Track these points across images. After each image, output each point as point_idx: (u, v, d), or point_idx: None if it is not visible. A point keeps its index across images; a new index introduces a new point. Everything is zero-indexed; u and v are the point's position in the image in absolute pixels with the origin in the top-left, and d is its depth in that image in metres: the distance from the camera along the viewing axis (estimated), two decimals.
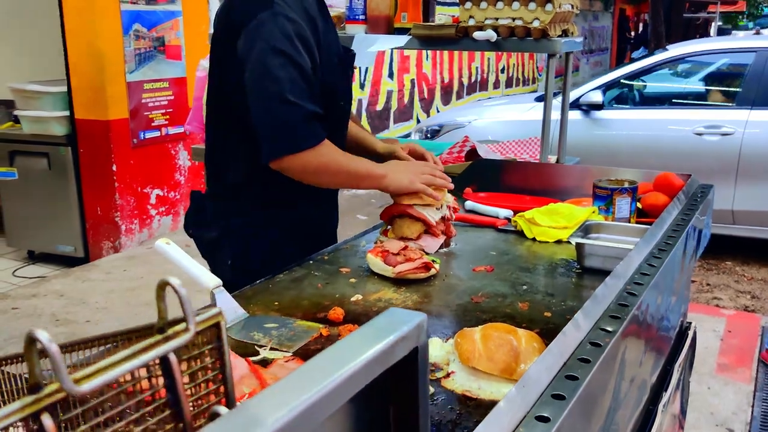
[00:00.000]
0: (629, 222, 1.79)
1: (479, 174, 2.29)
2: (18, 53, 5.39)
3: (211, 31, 1.78)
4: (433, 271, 1.50)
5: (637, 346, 1.14)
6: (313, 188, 1.68)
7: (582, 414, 0.86)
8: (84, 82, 4.53)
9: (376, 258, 1.52)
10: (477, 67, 10.53)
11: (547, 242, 1.76)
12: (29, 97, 4.65)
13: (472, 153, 2.45)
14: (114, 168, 4.63)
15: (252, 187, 1.72)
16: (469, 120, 5.64)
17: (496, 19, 2.29)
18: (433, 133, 5.88)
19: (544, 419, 0.78)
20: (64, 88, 4.61)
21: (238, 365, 1.05)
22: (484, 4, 2.30)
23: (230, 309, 1.28)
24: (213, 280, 1.28)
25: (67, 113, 4.64)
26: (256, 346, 1.18)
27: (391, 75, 8.10)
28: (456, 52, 9.66)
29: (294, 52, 1.53)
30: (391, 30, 2.53)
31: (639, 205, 1.88)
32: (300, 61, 1.55)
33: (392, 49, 2.47)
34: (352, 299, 1.38)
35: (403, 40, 2.44)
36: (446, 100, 9.58)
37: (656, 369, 1.50)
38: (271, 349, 1.17)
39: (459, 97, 9.93)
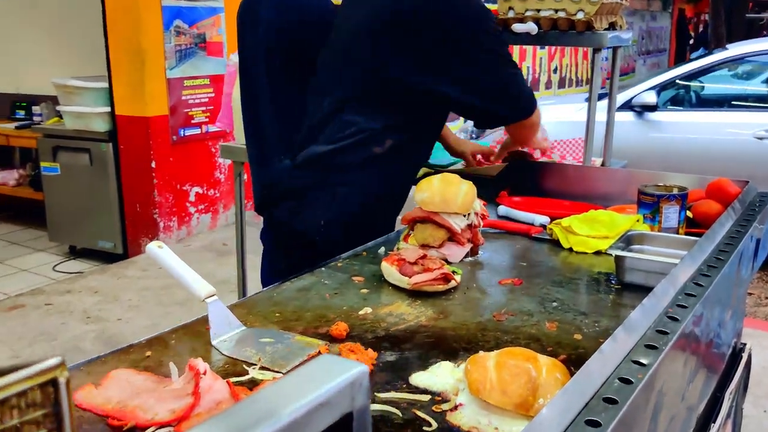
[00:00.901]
0: (677, 233, 1.61)
1: (516, 176, 2.13)
2: (62, 49, 5.44)
3: None
4: (452, 283, 1.36)
5: (678, 379, 0.99)
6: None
7: None
8: (124, 78, 4.52)
9: (392, 267, 1.38)
10: (528, 67, 10.27)
11: (585, 253, 1.60)
12: (71, 93, 4.66)
13: (514, 153, 2.29)
14: (153, 165, 4.61)
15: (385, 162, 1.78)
16: None
17: (538, 10, 2.13)
18: (478, 134, 5.72)
19: None
20: (106, 84, 4.61)
21: (217, 389, 0.94)
22: None
23: (224, 321, 1.17)
24: (205, 289, 1.18)
25: (108, 109, 4.63)
26: (245, 365, 1.06)
27: None
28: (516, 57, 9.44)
29: (496, 41, 1.78)
30: None
31: (689, 214, 1.71)
32: (502, 43, 1.81)
33: None
34: (360, 312, 1.26)
35: None
36: None
37: (704, 398, 1.33)
38: (262, 368, 1.05)
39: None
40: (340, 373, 0.35)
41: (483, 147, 2.24)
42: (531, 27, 2.12)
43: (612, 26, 2.20)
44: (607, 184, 2.03)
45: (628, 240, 1.52)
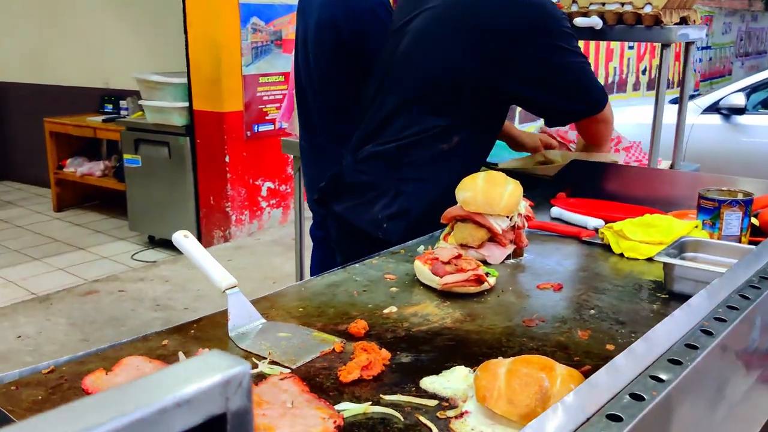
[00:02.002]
0: (739, 241, 1.50)
1: (574, 177, 2.04)
2: (146, 45, 5.63)
3: None
4: (485, 286, 1.30)
5: (707, 402, 0.90)
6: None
7: None
8: (202, 74, 4.63)
9: (424, 266, 1.34)
10: (615, 68, 9.93)
11: (637, 259, 1.51)
12: (152, 88, 4.82)
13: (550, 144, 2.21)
14: (227, 159, 4.71)
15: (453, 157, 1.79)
16: None
17: (603, 4, 2.03)
18: None
19: None
20: (185, 80, 4.74)
21: None
22: None
23: (244, 313, 1.16)
24: (227, 280, 1.17)
25: (186, 104, 4.76)
26: (254, 358, 1.04)
27: None
28: (591, 51, 9.17)
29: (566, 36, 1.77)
30: None
31: (755, 221, 1.58)
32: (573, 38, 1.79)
33: None
34: (385, 311, 1.22)
35: None
36: None
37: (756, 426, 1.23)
38: (272, 362, 1.03)
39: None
40: (213, 371, 0.32)
41: (550, 139, 2.25)
42: (595, 21, 2.03)
43: (684, 21, 2.08)
44: (671, 187, 1.91)
45: (681, 247, 1.42)
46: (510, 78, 1.74)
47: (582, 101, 1.83)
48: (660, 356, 0.84)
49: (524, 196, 1.56)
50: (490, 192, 1.48)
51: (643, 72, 10.92)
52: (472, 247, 1.48)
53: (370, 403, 0.91)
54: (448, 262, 1.33)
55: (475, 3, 1.77)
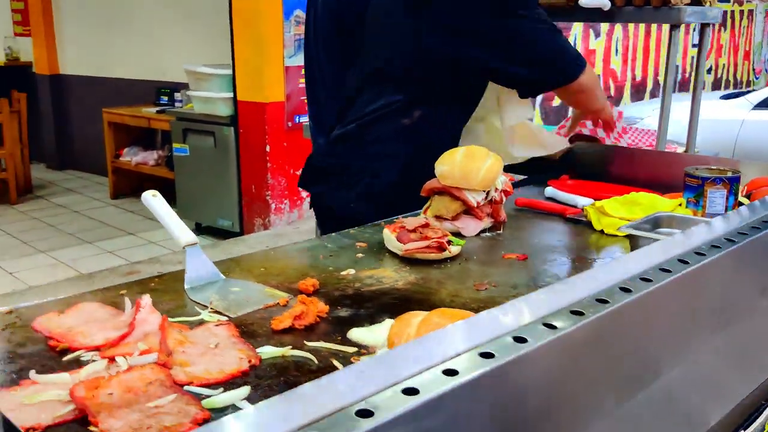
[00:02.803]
0: None
1: (579, 160, 2.03)
2: (198, 38, 5.80)
3: None
4: (446, 253, 1.32)
5: (607, 358, 0.89)
6: None
7: None
8: (246, 66, 4.75)
9: (392, 234, 1.36)
10: (678, 66, 9.66)
11: (617, 236, 1.49)
12: (200, 79, 4.98)
13: (579, 137, 2.18)
14: (267, 149, 4.81)
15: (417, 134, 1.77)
16: (641, 117, 5.16)
17: None
18: None
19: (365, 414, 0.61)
20: (230, 71, 4.87)
21: (150, 322, 0.98)
22: None
23: (203, 269, 1.21)
24: (187, 237, 1.22)
25: (231, 95, 4.90)
26: (198, 308, 1.09)
27: None
28: (652, 47, 8.96)
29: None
30: None
31: (745, 201, 1.54)
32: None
33: None
34: (342, 273, 1.25)
35: None
36: (637, 99, 8.89)
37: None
38: (215, 312, 1.07)
39: (653, 96, 9.15)
40: None
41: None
42: (603, 2, 2.00)
43: (697, 2, 2.03)
44: (673, 169, 1.87)
45: (655, 221, 1.40)
46: (472, 50, 1.70)
47: (551, 71, 1.76)
48: (564, 307, 0.84)
49: (536, 178, 1.55)
50: (467, 166, 1.49)
51: (709, 71, 10.58)
52: (447, 219, 1.49)
53: (291, 347, 0.95)
54: (414, 230, 1.35)
55: None
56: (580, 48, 7.61)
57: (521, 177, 2.15)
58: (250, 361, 0.90)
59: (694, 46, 9.88)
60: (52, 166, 7.86)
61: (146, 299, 1.01)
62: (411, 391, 0.65)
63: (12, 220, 5.93)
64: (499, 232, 1.53)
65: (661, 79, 9.31)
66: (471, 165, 1.50)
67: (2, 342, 0.97)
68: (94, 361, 0.90)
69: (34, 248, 5.18)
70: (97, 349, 0.94)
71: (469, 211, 1.50)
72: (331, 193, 1.82)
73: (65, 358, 0.92)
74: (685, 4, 1.96)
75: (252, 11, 4.64)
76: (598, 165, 1.98)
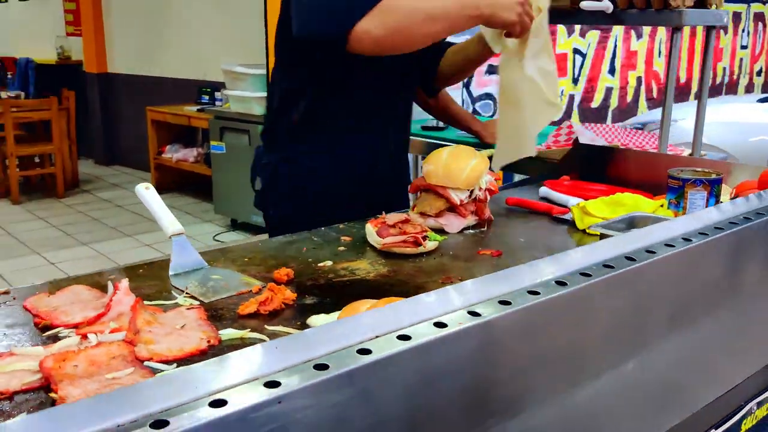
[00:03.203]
0: None
1: (581, 161, 2.05)
2: (236, 38, 5.95)
3: None
4: (422, 248, 1.37)
5: (532, 350, 0.93)
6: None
7: None
8: None
9: (374, 229, 1.43)
10: (725, 68, 9.44)
11: (597, 235, 1.52)
12: (236, 78, 5.11)
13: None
14: None
15: (317, 120, 1.73)
16: (676, 119, 5.09)
17: None
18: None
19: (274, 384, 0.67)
20: (264, 71, 4.99)
21: (125, 302, 1.06)
22: None
23: (188, 257, 1.29)
24: (174, 227, 1.31)
25: (265, 94, 5.01)
26: (175, 292, 1.17)
27: (612, 71, 7.58)
28: (698, 49, 8.79)
29: None
30: None
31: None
32: None
33: None
34: (320, 264, 1.32)
35: None
36: (680, 101, 8.74)
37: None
38: (190, 296, 1.15)
39: (698, 99, 8.98)
40: None
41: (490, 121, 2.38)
42: (606, 5, 2.02)
43: (702, 5, 2.04)
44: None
45: (630, 221, 1.43)
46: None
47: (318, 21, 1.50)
48: (495, 297, 0.89)
49: (536, 178, 1.57)
50: (451, 166, 1.54)
51: (758, 73, 10.31)
52: (431, 216, 1.55)
53: (251, 330, 1.02)
54: (393, 225, 1.41)
55: None
56: (621, 50, 7.53)
57: (523, 176, 2.19)
58: (209, 342, 0.97)
59: (743, 47, 9.67)
60: (100, 161, 8.14)
61: (123, 283, 1.10)
62: (322, 367, 0.71)
63: (58, 213, 6.17)
64: (483, 229, 1.58)
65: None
66: (455, 165, 1.55)
67: None
68: (69, 337, 0.99)
69: (77, 240, 5.39)
70: (75, 326, 1.02)
71: (453, 208, 1.55)
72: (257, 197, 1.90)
73: (45, 334, 1.01)
74: (688, 7, 1.97)
75: None
76: (599, 166, 2.01)
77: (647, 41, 7.92)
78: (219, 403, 0.62)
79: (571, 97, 7.17)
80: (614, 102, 7.73)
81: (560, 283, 0.95)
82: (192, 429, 0.59)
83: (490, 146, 2.35)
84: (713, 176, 1.51)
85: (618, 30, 7.40)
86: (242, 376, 0.67)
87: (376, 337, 0.78)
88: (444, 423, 0.82)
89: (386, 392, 0.75)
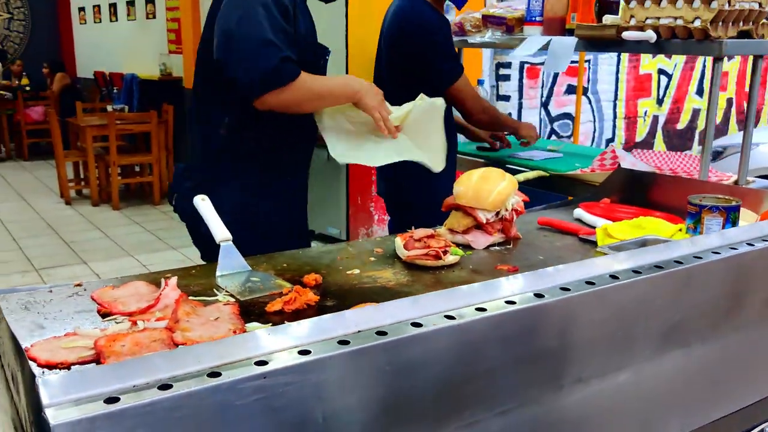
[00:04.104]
0: None
1: (621, 185, 2.13)
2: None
3: None
4: (442, 261, 1.50)
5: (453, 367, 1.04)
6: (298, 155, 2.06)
7: None
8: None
9: (401, 242, 1.57)
10: None
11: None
12: None
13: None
14: None
15: (239, 145, 1.95)
16: (757, 143, 4.97)
17: (657, 18, 2.10)
18: (715, 155, 5.31)
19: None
20: None
21: (171, 297, 1.24)
22: (648, 3, 2.11)
23: (234, 261, 1.47)
24: (223, 235, 1.49)
25: None
26: (216, 289, 1.35)
27: (700, 92, 7.41)
28: (748, 73, 8.43)
29: (275, 9, 1.78)
30: (564, 31, 2.45)
31: None
32: (278, 17, 1.78)
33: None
34: (348, 272, 1.47)
35: (569, 41, 2.35)
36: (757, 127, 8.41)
37: None
38: (230, 294, 1.33)
39: (744, 128, 8.61)
40: None
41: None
42: (650, 35, 2.09)
43: (746, 35, 2.08)
44: None
45: (642, 244, 1.51)
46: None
47: (255, 74, 1.77)
48: (471, 304, 1.02)
49: (577, 200, 1.69)
50: (480, 188, 1.67)
51: None
52: (459, 233, 1.67)
53: (271, 324, 1.18)
54: (419, 240, 1.55)
55: None
56: (710, 71, 7.34)
57: (568, 197, 2.28)
58: (235, 332, 1.14)
59: None
60: None
61: (172, 280, 1.29)
62: (305, 353, 0.86)
63: (153, 219, 6.61)
64: (508, 246, 1.69)
65: None
66: (484, 187, 1.67)
67: (66, 306, 1.28)
68: (122, 323, 1.18)
69: (168, 245, 5.77)
70: (129, 314, 1.22)
71: (480, 226, 1.67)
72: None
73: (105, 320, 1.21)
74: (730, 37, 2.02)
75: (365, 33, 4.96)
76: (638, 190, 2.07)
77: (739, 61, 7.70)
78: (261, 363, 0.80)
79: (655, 118, 7.07)
80: (701, 124, 7.55)
81: (538, 295, 1.06)
82: (239, 380, 0.79)
83: (529, 162, 2.46)
84: (732, 203, 1.56)
85: None
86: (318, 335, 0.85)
87: (358, 331, 0.93)
88: (417, 410, 0.95)
89: (363, 379, 0.89)
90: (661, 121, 7.15)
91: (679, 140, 7.31)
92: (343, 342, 0.89)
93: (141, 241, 5.86)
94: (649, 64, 6.78)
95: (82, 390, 0.75)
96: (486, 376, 1.01)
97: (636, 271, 1.18)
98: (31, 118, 9.82)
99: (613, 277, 1.15)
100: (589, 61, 6.16)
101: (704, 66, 7.34)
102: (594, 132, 6.48)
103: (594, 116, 6.46)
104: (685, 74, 7.19)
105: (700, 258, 1.26)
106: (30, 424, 0.82)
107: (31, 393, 0.78)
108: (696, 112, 7.47)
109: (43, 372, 0.99)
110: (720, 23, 2.00)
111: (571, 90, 6.01)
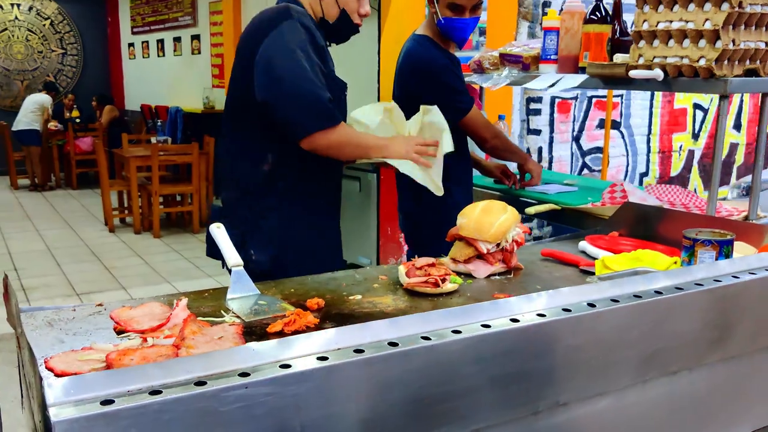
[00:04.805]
0: None
1: (628, 219, 2.17)
2: (354, 97, 6.37)
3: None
4: (440, 289, 1.58)
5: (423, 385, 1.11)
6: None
7: None
8: None
9: (404, 270, 1.65)
10: None
11: None
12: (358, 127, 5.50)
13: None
14: None
15: (281, 180, 2.07)
16: None
17: (665, 57, 2.16)
18: (748, 191, 5.27)
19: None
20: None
21: (180, 317, 1.34)
22: (656, 42, 2.18)
23: (244, 286, 1.57)
24: (234, 260, 1.59)
25: None
26: (223, 311, 1.45)
27: (737, 127, 7.35)
28: None
29: (312, 50, 1.94)
30: (577, 69, 2.53)
31: None
32: (315, 59, 1.94)
33: (571, 89, 2.47)
34: (350, 298, 1.56)
35: (579, 79, 2.43)
36: None
37: None
38: (236, 316, 1.43)
39: (753, 167, 8.45)
40: None
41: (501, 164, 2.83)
42: (657, 73, 2.16)
43: (754, 73, 2.12)
44: None
45: (633, 275, 1.56)
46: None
47: (305, 114, 1.93)
48: (448, 327, 1.09)
49: (586, 233, 1.76)
50: (482, 220, 1.74)
51: None
52: (460, 262, 1.75)
53: None
54: (420, 268, 1.63)
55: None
56: (748, 105, 7.29)
57: (577, 230, 2.33)
58: None
59: None
60: None
61: (183, 301, 1.39)
62: (286, 366, 0.95)
63: (191, 246, 6.80)
64: (509, 276, 1.76)
65: None
66: (486, 219, 1.74)
67: (86, 323, 1.39)
68: (133, 339, 1.28)
69: (204, 272, 5.93)
70: (142, 332, 1.32)
71: (481, 256, 1.74)
72: None
73: (119, 336, 1.31)
74: (735, 75, 2.07)
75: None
76: (645, 224, 2.12)
77: None
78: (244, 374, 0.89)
79: (691, 153, 7.03)
80: (739, 158, 7.48)
81: (514, 320, 1.13)
82: (223, 388, 0.88)
83: (543, 195, 2.53)
84: (726, 237, 1.61)
85: None
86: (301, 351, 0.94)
87: (338, 348, 1.01)
88: (391, 425, 1.02)
89: (340, 393, 0.97)
90: (697, 155, 7.10)
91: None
92: (322, 358, 0.97)
93: (178, 268, 6.04)
94: (684, 98, 6.77)
95: (82, 393, 0.84)
96: (460, 396, 1.08)
97: (614, 300, 1.24)
98: (80, 149, 10.21)
99: (591, 305, 1.21)
100: (621, 95, 6.19)
101: (741, 101, 7.30)
102: (627, 166, 6.48)
103: (627, 150, 6.46)
104: None
105: (681, 289, 1.31)
106: (39, 423, 0.92)
107: (39, 395, 0.88)
108: (733, 147, 7.40)
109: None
110: (725, 62, 2.06)
111: (603, 124, 6.04)
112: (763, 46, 2.11)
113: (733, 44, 2.03)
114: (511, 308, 1.16)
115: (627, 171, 6.48)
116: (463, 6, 2.51)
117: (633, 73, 2.16)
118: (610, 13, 2.44)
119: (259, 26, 2.03)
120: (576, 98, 5.87)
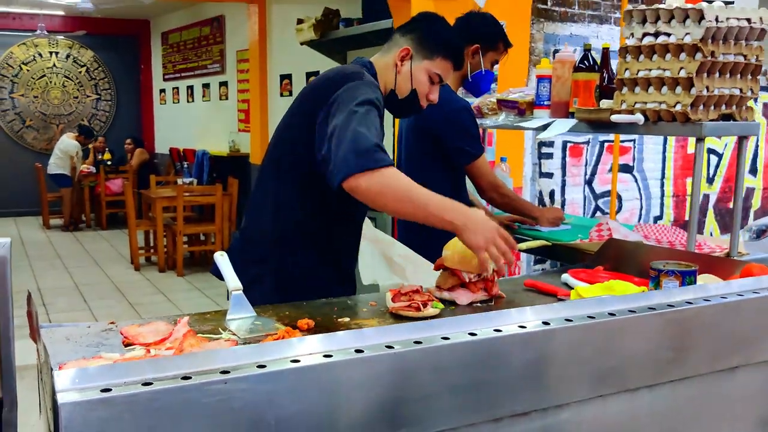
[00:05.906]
0: None
1: (612, 255, 2.29)
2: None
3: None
4: (421, 313, 1.71)
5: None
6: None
7: None
8: None
9: (390, 296, 1.79)
10: None
11: None
12: None
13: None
14: None
15: (312, 227, 2.11)
16: None
17: (645, 103, 2.30)
18: (759, 233, 5.34)
19: None
20: None
21: (180, 332, 1.50)
22: (637, 89, 2.33)
23: (242, 308, 1.72)
24: (234, 284, 1.75)
25: None
26: (222, 329, 1.60)
27: (753, 171, 7.41)
28: None
29: (378, 105, 1.91)
30: (568, 114, 2.68)
31: None
32: (379, 113, 1.92)
33: (563, 133, 2.62)
34: (339, 320, 1.70)
35: (570, 123, 2.58)
36: None
37: None
38: (232, 333, 1.58)
39: (733, 206, 8.41)
40: None
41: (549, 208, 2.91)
42: (638, 118, 2.30)
43: (729, 117, 2.26)
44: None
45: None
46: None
47: (346, 148, 1.76)
48: (409, 338, 1.23)
49: (568, 266, 1.89)
50: (465, 252, 1.88)
51: None
52: (444, 290, 1.88)
53: None
54: (405, 294, 1.77)
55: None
56: (763, 150, 7.36)
57: (566, 265, 2.45)
58: None
59: None
60: None
61: (184, 319, 1.55)
62: (261, 366, 1.09)
63: (212, 285, 6.98)
64: (490, 303, 1.89)
65: None
66: (469, 251, 1.88)
67: (98, 338, 1.55)
68: (137, 350, 1.43)
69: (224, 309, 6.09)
70: (146, 345, 1.47)
71: (465, 285, 1.88)
72: None
73: (126, 349, 1.47)
74: (711, 119, 2.21)
75: None
76: (628, 259, 2.24)
77: None
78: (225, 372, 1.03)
79: (706, 197, 7.09)
80: (756, 203, 7.52)
81: (472, 333, 1.27)
82: (205, 382, 1.01)
83: (535, 233, 2.67)
84: (690, 268, 1.73)
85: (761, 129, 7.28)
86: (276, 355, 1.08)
87: (309, 353, 1.15)
88: (355, 424, 1.15)
89: (309, 393, 1.11)
90: (713, 199, 7.16)
91: (731, 219, 7.28)
92: (295, 360, 1.12)
93: (199, 305, 6.21)
94: None
95: (85, 382, 1.00)
96: (420, 400, 1.21)
97: (568, 320, 1.37)
98: (110, 190, 10.56)
99: (545, 323, 1.34)
100: (634, 140, 6.32)
101: (757, 146, 7.37)
102: (641, 209, 6.57)
103: (641, 194, 6.55)
104: (735, 152, 7.23)
105: (634, 312, 1.44)
106: (49, 411, 1.07)
107: (50, 386, 1.03)
108: (750, 191, 7.45)
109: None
110: (701, 107, 2.20)
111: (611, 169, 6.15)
112: (737, 92, 2.24)
113: (707, 90, 2.18)
114: (471, 324, 1.30)
115: (641, 214, 6.56)
116: (498, 60, 2.73)
117: (615, 118, 2.31)
118: (599, 62, 2.60)
119: (334, 77, 2.00)
120: (588, 143, 6.01)
